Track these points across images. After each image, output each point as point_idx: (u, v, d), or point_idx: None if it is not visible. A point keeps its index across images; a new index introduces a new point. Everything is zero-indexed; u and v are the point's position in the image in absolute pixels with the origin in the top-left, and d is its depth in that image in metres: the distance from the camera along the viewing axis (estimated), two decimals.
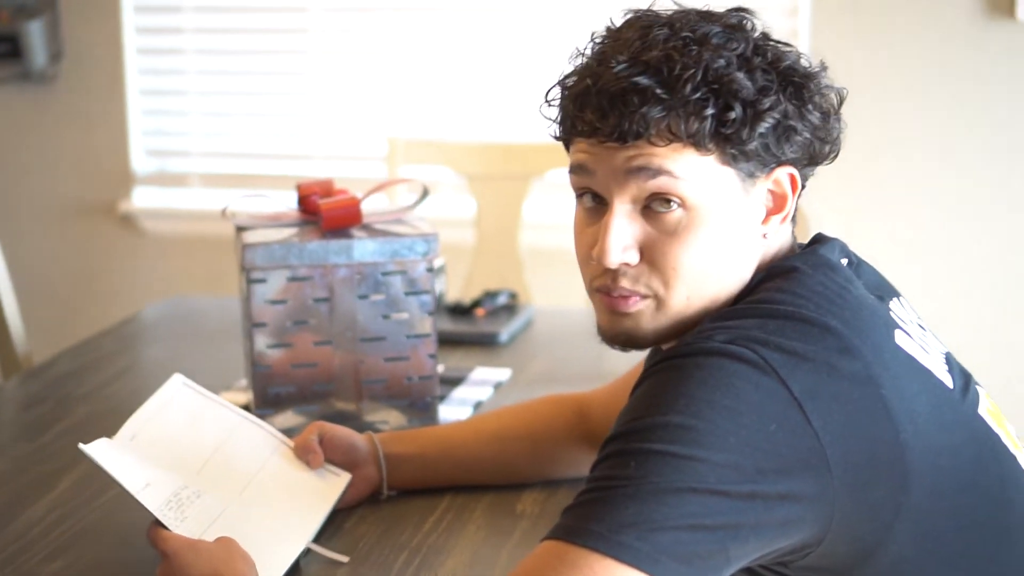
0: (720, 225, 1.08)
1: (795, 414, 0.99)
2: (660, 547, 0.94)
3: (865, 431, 1.01)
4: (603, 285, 1.11)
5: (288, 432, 1.50)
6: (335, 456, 1.44)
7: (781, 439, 0.98)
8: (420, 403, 1.64)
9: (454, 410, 1.75)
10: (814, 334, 1.03)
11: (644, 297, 1.10)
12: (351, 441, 1.45)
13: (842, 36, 2.97)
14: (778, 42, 1.12)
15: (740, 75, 1.06)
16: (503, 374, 1.92)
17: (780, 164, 1.10)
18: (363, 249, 1.60)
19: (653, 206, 1.08)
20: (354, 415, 1.63)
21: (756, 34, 1.11)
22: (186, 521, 1.28)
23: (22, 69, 3.39)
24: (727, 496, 0.96)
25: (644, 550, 0.94)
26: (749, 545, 0.98)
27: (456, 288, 2.75)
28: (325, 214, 1.62)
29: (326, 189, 1.70)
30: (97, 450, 1.29)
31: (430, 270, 1.62)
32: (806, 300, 1.06)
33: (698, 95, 1.05)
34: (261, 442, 1.44)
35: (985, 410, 1.14)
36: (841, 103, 1.14)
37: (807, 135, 1.10)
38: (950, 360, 1.16)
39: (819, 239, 1.16)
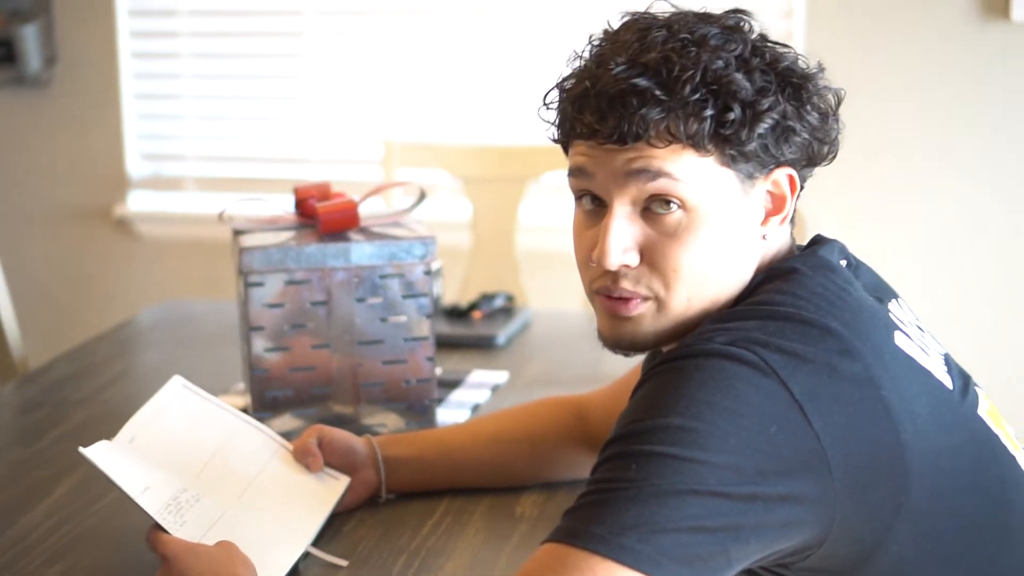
0: (720, 226, 1.08)
1: (796, 416, 0.99)
2: (661, 549, 0.94)
3: (866, 432, 1.01)
4: (603, 287, 1.11)
5: (286, 435, 1.50)
6: (334, 459, 1.43)
7: (782, 441, 0.98)
8: (418, 406, 1.64)
9: (452, 413, 1.74)
10: (814, 335, 1.03)
11: (645, 299, 1.10)
12: (350, 444, 1.45)
13: (837, 38, 2.97)
14: (776, 43, 1.12)
15: (739, 76, 1.06)
16: (501, 377, 1.92)
17: (779, 165, 1.10)
18: (361, 252, 1.59)
19: (653, 208, 1.08)
20: (352, 418, 1.63)
21: (754, 35, 1.12)
22: (186, 525, 1.28)
23: (16, 73, 3.38)
24: (728, 498, 0.96)
25: (645, 552, 0.94)
26: (750, 547, 0.98)
27: (452, 291, 2.75)
28: (323, 217, 1.61)
29: (323, 192, 1.69)
30: (97, 453, 1.29)
31: (428, 273, 1.62)
32: (806, 302, 1.06)
33: (697, 96, 1.05)
34: (260, 445, 1.43)
35: (984, 411, 1.14)
36: (839, 104, 1.14)
37: (806, 136, 1.10)
38: (949, 361, 1.16)
39: (818, 240, 1.16)
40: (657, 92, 1.05)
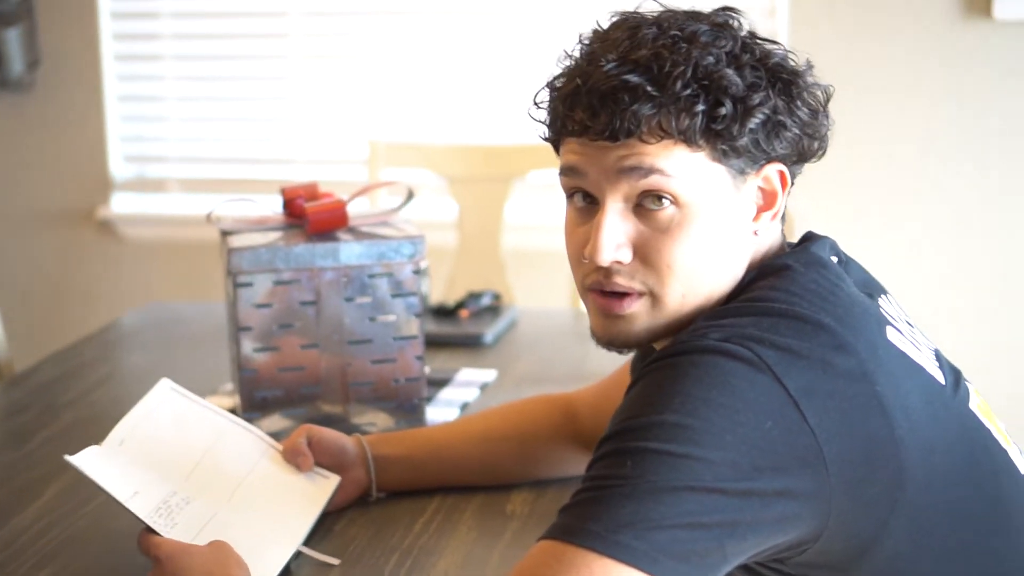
0: (712, 222, 1.09)
1: (791, 411, 0.99)
2: (658, 546, 0.94)
3: (860, 428, 1.01)
4: (596, 282, 1.11)
5: (275, 436, 1.50)
6: (323, 459, 1.43)
7: (777, 436, 0.98)
8: (407, 405, 1.64)
9: (441, 411, 1.75)
10: (808, 331, 1.03)
11: (640, 295, 1.10)
12: (339, 444, 1.45)
13: (820, 37, 2.98)
14: (765, 40, 1.13)
15: (729, 72, 1.06)
16: (489, 375, 1.92)
17: (770, 161, 1.11)
18: (349, 252, 1.59)
19: (645, 204, 1.08)
20: (341, 418, 1.62)
21: (743, 32, 1.12)
22: (177, 527, 1.27)
23: None
24: (724, 494, 0.96)
25: (642, 549, 0.94)
26: (746, 542, 0.98)
27: (438, 290, 2.75)
28: (311, 217, 1.61)
29: (311, 192, 1.69)
30: (83, 461, 1.29)
31: (416, 272, 1.62)
32: (799, 298, 1.06)
33: (688, 92, 1.05)
34: (250, 446, 1.43)
35: (976, 406, 1.15)
36: (828, 100, 1.15)
37: (796, 131, 1.10)
38: (939, 356, 1.17)
39: (809, 237, 1.17)
40: (648, 88, 1.05)
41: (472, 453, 1.50)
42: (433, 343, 2.03)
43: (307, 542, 1.34)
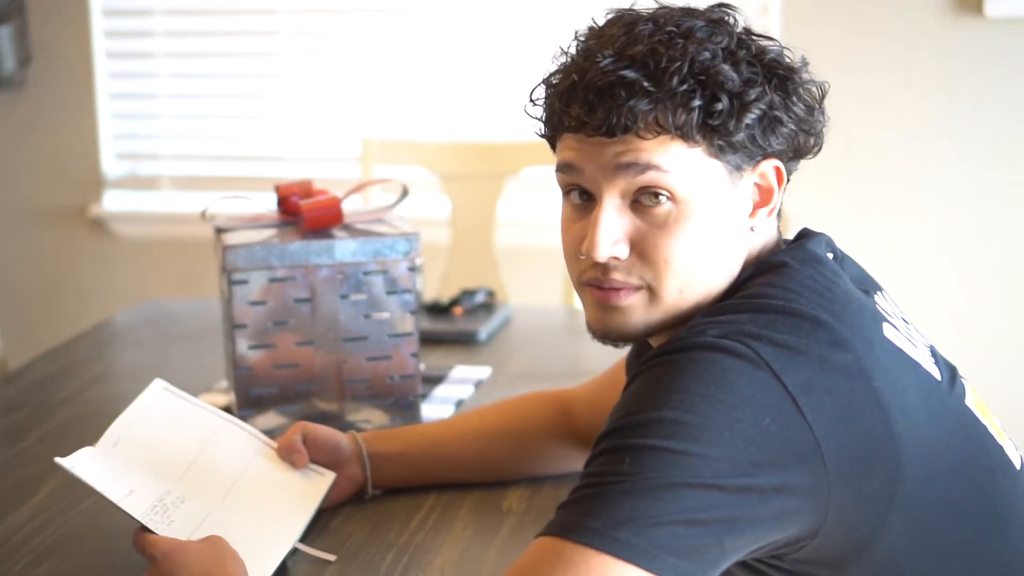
0: (709, 217, 1.09)
1: (789, 408, 0.99)
2: (657, 542, 0.94)
3: (858, 423, 1.01)
4: (593, 277, 1.11)
5: (270, 433, 1.50)
6: (319, 456, 1.43)
7: (775, 433, 0.98)
8: (403, 402, 1.64)
9: (436, 408, 1.75)
10: (805, 328, 1.03)
11: (637, 289, 1.10)
12: (335, 441, 1.45)
13: (812, 35, 2.98)
14: (760, 36, 1.13)
15: (726, 67, 1.06)
16: (483, 372, 1.92)
17: (766, 157, 1.11)
18: (344, 249, 1.59)
19: (642, 200, 1.09)
20: (337, 415, 1.62)
21: (739, 29, 1.12)
22: (173, 525, 1.27)
23: None
24: (722, 490, 0.96)
25: (641, 546, 0.94)
26: (745, 538, 0.98)
27: (432, 287, 2.75)
28: (306, 215, 1.61)
29: (306, 190, 1.69)
30: (73, 463, 1.28)
31: (412, 269, 1.62)
32: (796, 294, 1.06)
33: (685, 87, 1.05)
34: (244, 444, 1.43)
35: (972, 402, 1.15)
36: (823, 97, 1.15)
37: (792, 127, 1.10)
38: (935, 353, 1.17)
39: (805, 234, 1.17)
40: (645, 84, 1.05)
41: (467, 450, 1.50)
42: (427, 340, 2.03)
43: (303, 539, 1.34)
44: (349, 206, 1.68)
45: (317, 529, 1.38)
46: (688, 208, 1.08)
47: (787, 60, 1.12)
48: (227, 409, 1.62)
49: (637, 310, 1.11)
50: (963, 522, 1.07)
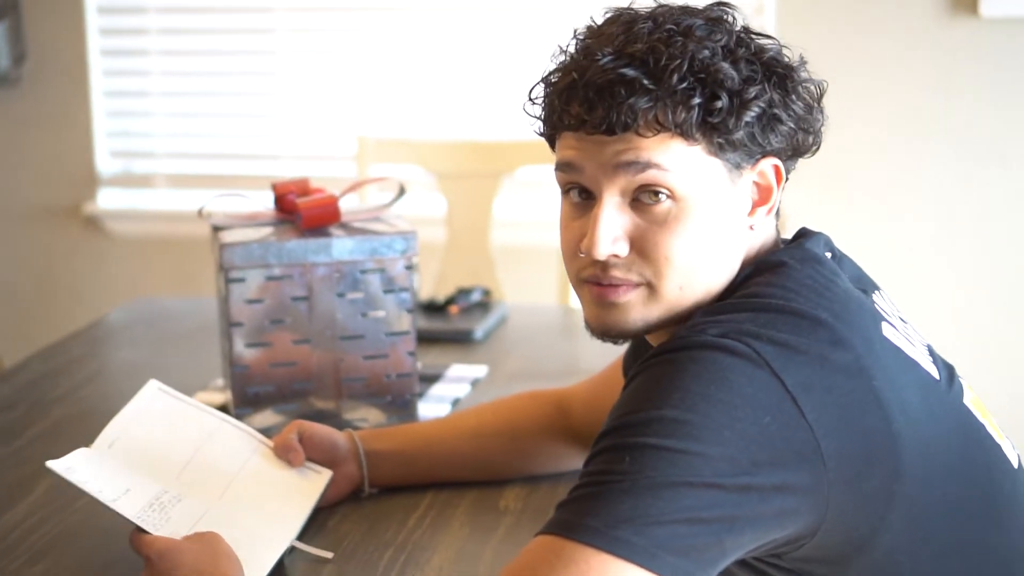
0: (708, 215, 1.09)
1: (789, 407, 0.99)
2: (657, 541, 0.94)
3: (858, 422, 1.01)
4: (592, 275, 1.11)
5: (267, 431, 1.49)
6: (315, 454, 1.43)
7: (775, 432, 0.98)
8: (399, 400, 1.64)
9: (432, 407, 1.74)
10: (805, 327, 1.03)
11: (637, 286, 1.10)
12: (331, 439, 1.44)
13: (807, 34, 2.98)
14: (759, 34, 1.13)
15: (725, 65, 1.07)
16: (480, 371, 1.92)
17: (765, 155, 1.11)
18: (342, 247, 1.59)
19: (641, 198, 1.09)
20: (333, 413, 1.62)
21: (737, 27, 1.12)
22: (170, 521, 1.27)
23: None
24: (722, 489, 0.96)
25: (641, 545, 0.94)
26: (745, 537, 0.98)
27: (428, 286, 2.75)
28: (304, 213, 1.61)
29: (302, 188, 1.69)
30: (68, 463, 1.28)
31: (408, 268, 1.62)
32: (796, 293, 1.06)
33: (684, 85, 1.05)
34: (240, 443, 1.43)
35: (970, 401, 1.15)
36: (822, 95, 1.15)
37: (791, 125, 1.10)
38: (932, 352, 1.17)
39: (804, 233, 1.17)
40: (645, 81, 1.05)
41: (464, 448, 1.49)
42: (423, 339, 2.02)
43: (300, 537, 1.33)
44: (346, 204, 1.68)
45: (314, 527, 1.37)
46: (688, 206, 1.08)
47: (786, 59, 1.13)
48: (223, 407, 1.62)
49: (636, 307, 1.11)
50: (962, 521, 1.08)
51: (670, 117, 1.06)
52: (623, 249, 1.09)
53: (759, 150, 1.10)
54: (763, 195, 1.13)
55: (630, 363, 1.37)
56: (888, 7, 2.96)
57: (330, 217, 1.62)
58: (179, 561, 1.19)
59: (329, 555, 1.31)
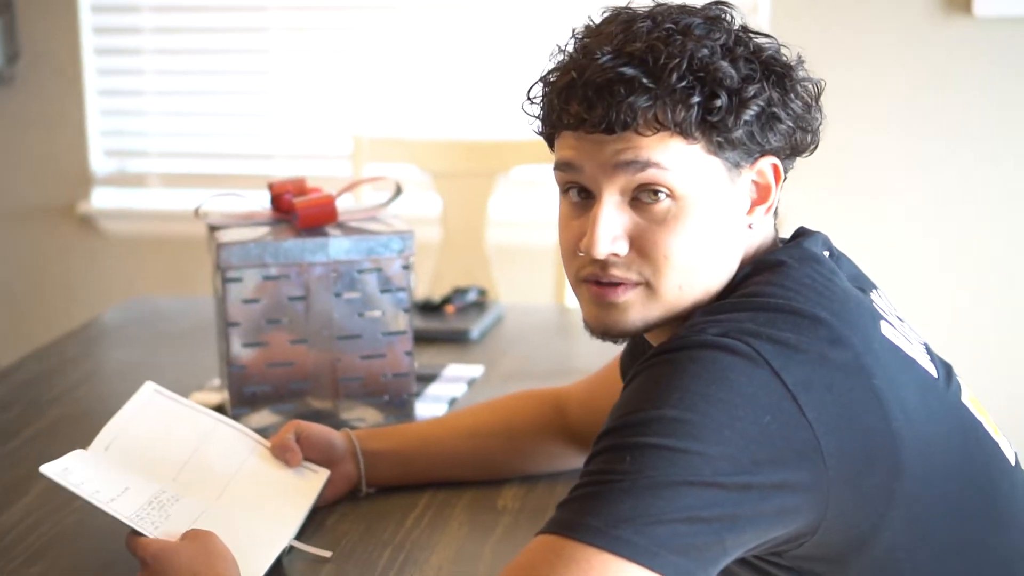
0: (708, 214, 1.09)
1: (789, 406, 0.99)
2: (658, 541, 0.94)
3: (858, 421, 1.01)
4: (591, 273, 1.11)
5: (264, 431, 1.49)
6: (313, 454, 1.43)
7: (776, 431, 0.98)
8: (396, 400, 1.64)
9: (429, 407, 1.74)
10: (805, 326, 1.03)
11: (636, 285, 1.10)
12: (328, 439, 1.44)
13: (801, 33, 2.98)
14: (757, 33, 1.13)
15: (724, 64, 1.07)
16: (476, 370, 1.92)
17: (764, 154, 1.11)
18: (338, 247, 1.59)
19: (641, 197, 1.09)
20: (330, 413, 1.62)
21: (736, 26, 1.12)
22: (169, 519, 1.27)
23: None
24: (723, 488, 0.96)
25: (642, 544, 0.94)
26: (745, 536, 0.98)
27: (423, 286, 2.75)
28: (301, 212, 1.61)
29: (299, 188, 1.69)
30: (65, 464, 1.28)
31: (406, 267, 1.62)
32: (795, 292, 1.06)
33: (684, 84, 1.05)
34: (237, 444, 1.43)
35: (967, 398, 1.15)
36: (820, 94, 1.15)
37: (790, 124, 1.11)
38: (929, 351, 1.17)
39: (802, 232, 1.17)
40: (644, 80, 1.05)
41: (461, 448, 1.49)
42: (419, 339, 2.02)
43: (298, 537, 1.33)
44: (342, 204, 1.67)
45: (312, 527, 1.37)
46: (687, 205, 1.08)
47: (784, 57, 1.13)
48: (220, 407, 1.62)
49: (635, 306, 1.11)
50: (962, 518, 1.08)
51: (669, 116, 1.06)
52: (623, 248, 1.09)
53: (758, 149, 1.10)
54: (762, 194, 1.13)
55: (627, 362, 1.37)
56: (882, 6, 2.96)
57: (327, 217, 1.62)
58: (174, 562, 1.19)
59: (328, 554, 1.31)
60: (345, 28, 3.26)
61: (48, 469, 1.26)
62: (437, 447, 1.49)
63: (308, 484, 1.40)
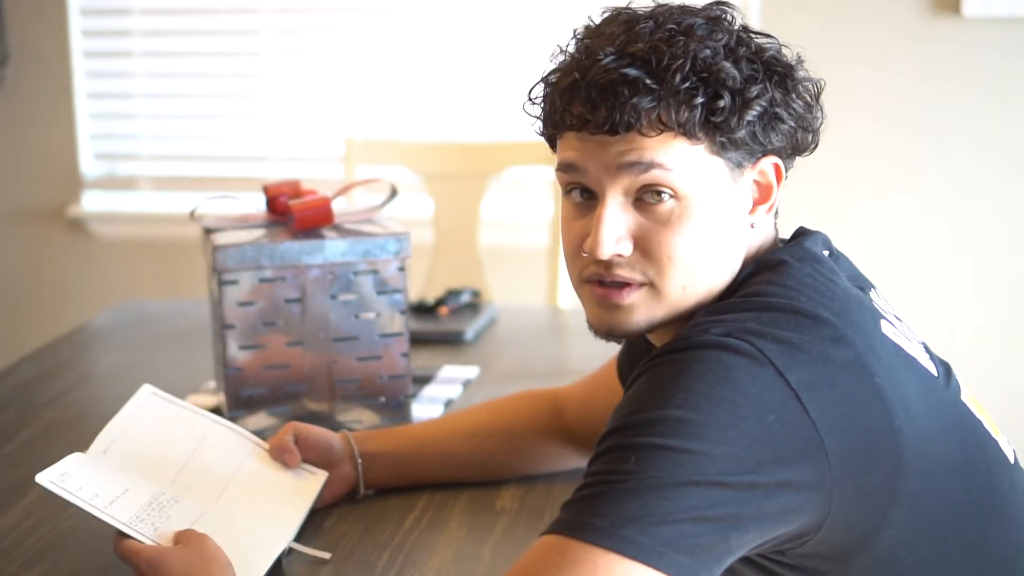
0: (711, 214, 1.09)
1: (793, 405, 0.99)
2: (663, 540, 0.94)
3: (861, 419, 1.02)
4: (595, 273, 1.11)
5: (261, 434, 1.49)
6: (311, 456, 1.43)
7: (779, 430, 0.98)
8: (393, 402, 1.64)
9: (425, 408, 1.74)
10: (807, 325, 1.03)
11: (640, 285, 1.10)
12: (326, 440, 1.44)
13: (790, 33, 2.94)
14: (758, 33, 1.14)
15: (727, 64, 1.07)
16: (471, 372, 1.92)
17: (766, 154, 1.11)
18: (335, 249, 1.59)
19: (644, 197, 1.09)
20: (327, 415, 1.62)
21: (737, 26, 1.13)
22: (169, 520, 1.27)
23: None
24: (728, 487, 0.96)
25: (647, 544, 0.94)
26: (750, 534, 0.98)
27: (416, 287, 2.75)
28: (297, 214, 1.60)
29: (294, 190, 1.68)
30: (57, 472, 1.27)
31: (401, 269, 1.62)
32: (797, 292, 1.06)
33: (687, 84, 1.06)
34: (235, 445, 1.42)
35: (967, 397, 1.16)
36: (820, 93, 1.16)
37: (792, 124, 1.11)
38: (928, 350, 1.18)
39: (802, 232, 1.18)
40: (647, 81, 1.05)
41: (459, 449, 1.49)
42: (414, 340, 2.01)
43: (297, 539, 1.33)
44: (337, 206, 1.67)
45: (311, 529, 1.37)
46: (690, 205, 1.08)
47: (785, 57, 1.13)
48: (216, 410, 1.62)
49: (639, 307, 1.11)
50: (963, 516, 1.08)
51: (673, 117, 1.06)
52: (627, 248, 1.09)
53: (760, 149, 1.10)
54: (763, 194, 1.13)
55: (624, 363, 1.37)
56: (870, 6, 2.97)
57: (323, 219, 1.62)
58: (169, 568, 1.18)
59: (327, 556, 1.31)
60: (336, 30, 3.26)
61: (43, 477, 1.26)
62: (435, 448, 1.49)
63: (306, 486, 1.40)
